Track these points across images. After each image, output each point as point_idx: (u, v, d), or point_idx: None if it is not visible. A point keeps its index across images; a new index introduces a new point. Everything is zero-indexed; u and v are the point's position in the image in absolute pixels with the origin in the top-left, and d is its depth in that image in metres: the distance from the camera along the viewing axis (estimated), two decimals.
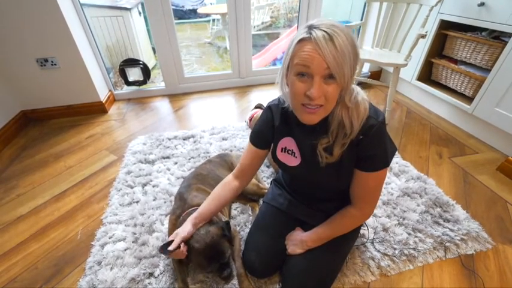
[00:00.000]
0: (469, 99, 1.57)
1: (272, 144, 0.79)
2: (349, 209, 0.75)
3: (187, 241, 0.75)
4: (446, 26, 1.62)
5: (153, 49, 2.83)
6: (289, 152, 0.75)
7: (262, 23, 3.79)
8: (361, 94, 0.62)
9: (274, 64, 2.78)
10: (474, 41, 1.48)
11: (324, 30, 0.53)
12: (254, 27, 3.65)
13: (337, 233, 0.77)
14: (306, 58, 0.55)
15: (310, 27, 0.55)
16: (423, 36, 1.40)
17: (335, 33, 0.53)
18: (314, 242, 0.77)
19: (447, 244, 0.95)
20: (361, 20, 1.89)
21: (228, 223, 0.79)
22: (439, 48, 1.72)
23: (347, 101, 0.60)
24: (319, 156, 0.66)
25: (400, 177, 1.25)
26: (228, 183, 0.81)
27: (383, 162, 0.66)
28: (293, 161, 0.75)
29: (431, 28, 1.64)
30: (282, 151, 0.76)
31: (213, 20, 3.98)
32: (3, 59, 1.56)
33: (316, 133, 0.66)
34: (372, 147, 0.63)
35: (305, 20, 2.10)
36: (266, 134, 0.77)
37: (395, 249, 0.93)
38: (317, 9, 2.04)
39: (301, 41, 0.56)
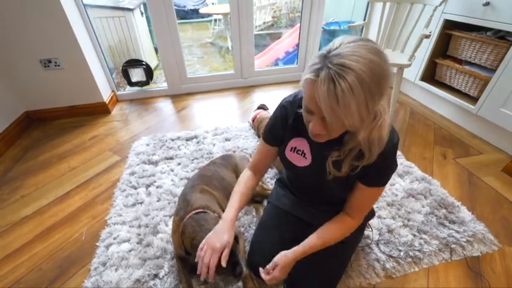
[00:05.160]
0: (473, 100, 1.56)
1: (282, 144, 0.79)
2: (344, 217, 0.73)
3: (193, 245, 0.75)
4: (450, 26, 1.61)
5: (155, 49, 2.83)
6: (299, 152, 0.74)
7: (264, 23, 3.78)
8: (386, 124, 0.55)
9: (277, 64, 2.78)
10: (479, 41, 1.47)
11: (332, 69, 0.46)
12: (256, 27, 3.64)
13: (328, 244, 0.71)
14: (307, 100, 0.53)
15: (325, 59, 0.48)
16: (427, 37, 1.39)
17: (343, 75, 0.45)
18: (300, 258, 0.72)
19: (453, 246, 0.95)
20: (364, 20, 1.88)
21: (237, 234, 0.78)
22: (443, 48, 1.71)
23: (367, 135, 0.55)
24: (328, 168, 0.65)
25: (404, 178, 1.24)
26: (249, 178, 0.81)
27: (386, 181, 0.68)
28: (302, 162, 0.74)
29: (435, 28, 1.63)
30: (291, 150, 0.75)
31: (215, 20, 3.98)
32: (7, 60, 1.56)
33: (328, 144, 0.64)
34: (380, 167, 0.63)
35: (307, 20, 2.08)
36: (278, 132, 0.77)
37: (400, 250, 0.93)
38: (320, 9, 2.03)
39: (307, 79, 0.51)
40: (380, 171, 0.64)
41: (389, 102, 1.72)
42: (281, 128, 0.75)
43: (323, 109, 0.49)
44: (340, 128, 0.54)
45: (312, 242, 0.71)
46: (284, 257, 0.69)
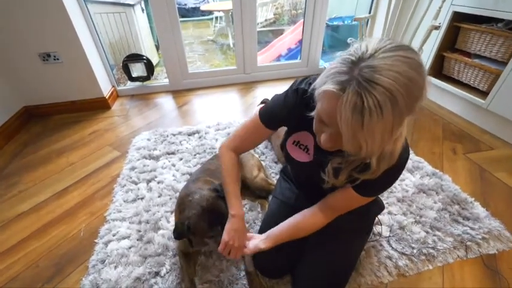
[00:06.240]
0: (483, 94, 1.52)
1: (285, 132, 0.74)
2: (317, 214, 0.67)
3: (182, 212, 0.73)
4: (459, 18, 1.56)
5: (156, 47, 2.80)
6: (302, 146, 0.69)
7: (266, 20, 3.75)
8: (403, 138, 0.48)
9: (279, 61, 2.74)
10: (489, 33, 1.43)
11: (362, 85, 0.38)
12: (257, 24, 3.60)
13: (295, 237, 0.70)
14: (323, 113, 0.46)
15: (354, 68, 0.39)
16: (436, 28, 1.35)
17: (376, 96, 0.37)
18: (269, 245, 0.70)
19: (468, 243, 0.90)
20: (370, 13, 1.84)
21: (220, 184, 0.76)
22: (452, 41, 1.67)
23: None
24: (326, 174, 0.59)
25: (414, 173, 1.20)
26: (236, 162, 0.75)
27: (379, 193, 0.64)
28: (303, 157, 0.69)
29: (444, 20, 1.59)
30: (293, 143, 0.70)
31: (216, 18, 3.94)
32: (5, 54, 1.53)
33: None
34: (381, 181, 0.56)
35: (311, 16, 2.04)
36: (281, 118, 0.69)
37: (413, 248, 0.88)
38: (324, 4, 1.99)
39: (328, 91, 0.42)
40: (379, 185, 0.59)
41: None
42: (286, 114, 0.66)
43: (343, 131, 0.42)
44: (354, 150, 0.45)
45: (284, 227, 0.70)
46: (257, 248, 0.69)
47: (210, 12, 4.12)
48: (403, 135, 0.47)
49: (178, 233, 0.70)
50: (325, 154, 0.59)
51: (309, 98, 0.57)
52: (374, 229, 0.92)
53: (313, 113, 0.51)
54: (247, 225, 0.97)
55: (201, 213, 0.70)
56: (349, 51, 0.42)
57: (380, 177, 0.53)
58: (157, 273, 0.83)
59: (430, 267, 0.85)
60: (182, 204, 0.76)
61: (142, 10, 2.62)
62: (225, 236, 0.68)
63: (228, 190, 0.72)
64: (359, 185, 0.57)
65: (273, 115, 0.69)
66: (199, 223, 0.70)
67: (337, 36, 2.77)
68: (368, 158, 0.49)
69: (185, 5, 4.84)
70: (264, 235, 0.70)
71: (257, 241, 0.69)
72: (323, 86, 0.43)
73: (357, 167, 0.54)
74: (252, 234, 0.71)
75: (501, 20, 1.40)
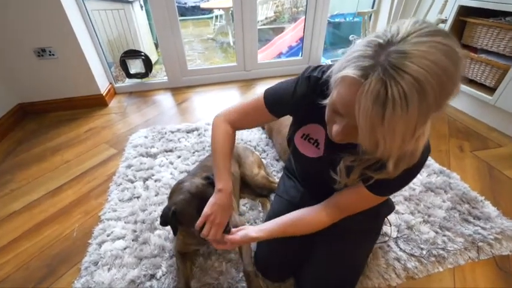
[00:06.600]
0: (490, 90, 1.48)
1: (291, 124, 0.69)
2: (320, 213, 0.62)
3: (171, 199, 0.69)
4: (465, 12, 1.52)
5: (155, 45, 2.76)
6: (312, 140, 0.64)
7: (266, 18, 3.71)
8: (426, 135, 0.43)
9: (279, 57, 2.69)
10: (497, 27, 1.38)
11: (388, 73, 0.33)
12: (258, 22, 3.57)
13: (292, 235, 0.64)
14: (339, 102, 0.41)
15: (381, 52, 0.35)
16: (443, 21, 1.31)
17: (403, 87, 0.33)
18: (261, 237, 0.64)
19: (480, 244, 0.86)
20: (373, 7, 1.80)
21: (213, 174, 0.71)
22: (457, 36, 1.62)
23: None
24: (338, 174, 0.55)
25: (421, 171, 1.16)
26: (231, 137, 0.68)
27: (393, 193, 0.60)
28: (313, 152, 0.63)
29: (449, 15, 1.54)
30: (302, 137, 0.65)
31: (216, 17, 3.91)
32: None
33: (346, 145, 0.52)
34: (399, 180, 0.51)
35: (313, 13, 2.00)
36: (289, 108, 0.64)
37: (422, 249, 0.84)
38: (325, 0, 1.95)
39: (347, 77, 0.38)
40: (395, 184, 0.54)
41: None
42: (294, 104, 0.61)
43: (360, 124, 0.38)
44: (370, 147, 0.41)
45: (282, 222, 0.63)
46: (247, 237, 0.61)
47: (210, 11, 4.09)
48: (426, 133, 0.42)
49: (163, 219, 0.65)
50: (336, 150, 0.54)
51: (322, 85, 0.51)
52: (382, 228, 0.87)
53: (326, 101, 0.46)
54: (247, 224, 0.93)
55: (190, 199, 0.65)
56: (377, 33, 0.37)
57: (397, 176, 0.47)
58: (153, 276, 0.79)
59: (441, 269, 0.81)
60: (172, 192, 0.72)
61: (141, 7, 2.58)
62: (206, 209, 0.60)
63: (217, 163, 0.64)
64: (372, 184, 0.52)
65: (279, 102, 0.63)
66: (186, 209, 0.64)
67: (338, 34, 2.73)
68: (385, 158, 0.44)
69: (185, 3, 4.81)
70: (258, 226, 0.64)
71: (248, 230, 0.62)
72: (342, 70, 0.38)
73: (372, 165, 0.50)
74: (244, 226, 0.65)
75: (509, 14, 1.35)
